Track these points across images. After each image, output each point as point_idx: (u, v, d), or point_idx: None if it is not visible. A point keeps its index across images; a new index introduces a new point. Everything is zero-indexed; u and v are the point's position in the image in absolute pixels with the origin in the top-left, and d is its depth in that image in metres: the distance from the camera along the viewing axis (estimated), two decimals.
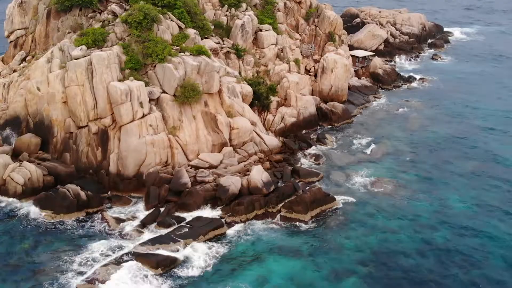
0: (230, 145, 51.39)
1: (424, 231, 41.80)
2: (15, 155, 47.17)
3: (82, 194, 43.05)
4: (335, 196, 45.92)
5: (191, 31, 52.59)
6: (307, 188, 46.80)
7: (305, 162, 54.02)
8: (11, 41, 58.67)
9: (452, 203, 46.21)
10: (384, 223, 43.04)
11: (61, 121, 47.42)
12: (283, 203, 44.55)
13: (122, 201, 44.56)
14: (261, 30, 63.23)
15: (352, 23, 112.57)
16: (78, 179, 45.88)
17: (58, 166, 46.13)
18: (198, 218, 41.65)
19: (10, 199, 43.64)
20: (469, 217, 43.98)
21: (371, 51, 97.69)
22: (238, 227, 41.68)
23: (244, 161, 51.39)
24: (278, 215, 43.30)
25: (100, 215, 42.30)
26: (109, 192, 45.76)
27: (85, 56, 46.34)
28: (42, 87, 47.36)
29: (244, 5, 62.81)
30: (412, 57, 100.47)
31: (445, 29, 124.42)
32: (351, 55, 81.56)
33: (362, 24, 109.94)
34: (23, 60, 56.73)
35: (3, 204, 43.24)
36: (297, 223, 42.52)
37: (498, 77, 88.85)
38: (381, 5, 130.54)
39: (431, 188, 48.81)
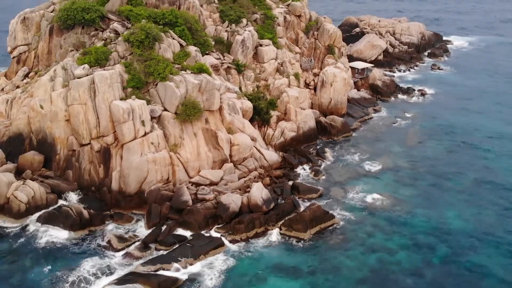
0: (231, 161, 52.04)
1: (422, 251, 42.29)
2: (19, 173, 47.91)
3: (85, 212, 43.64)
4: (334, 214, 46.62)
5: (192, 49, 53.29)
6: (306, 205, 47.49)
7: (304, 177, 54.63)
8: (13, 57, 59.35)
9: (450, 221, 46.75)
10: (383, 242, 43.57)
11: (64, 139, 48.07)
12: (283, 221, 45.18)
13: (124, 219, 45.10)
14: (261, 45, 63.95)
15: (351, 33, 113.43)
16: (81, 196, 46.66)
17: (61, 184, 46.76)
18: (199, 237, 42.24)
19: (13, 218, 44.35)
20: (467, 236, 44.47)
21: (371, 61, 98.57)
22: (238, 245, 42.19)
23: (244, 177, 52.04)
24: (278, 233, 43.96)
25: (103, 234, 42.95)
26: (111, 210, 46.43)
27: (87, 75, 47.02)
28: (45, 105, 48.02)
29: (244, 20, 63.50)
30: (411, 67, 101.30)
31: (444, 38, 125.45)
32: (350, 66, 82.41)
33: (362, 33, 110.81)
34: (26, 76, 57.42)
35: (6, 223, 43.78)
36: (297, 241, 43.12)
37: (497, 88, 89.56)
38: (382, 14, 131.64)
39: (429, 205, 49.35)
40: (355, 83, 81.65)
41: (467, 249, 42.65)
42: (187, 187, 47.60)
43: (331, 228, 45.04)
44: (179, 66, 50.44)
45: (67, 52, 52.14)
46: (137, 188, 46.73)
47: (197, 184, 48.54)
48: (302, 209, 47.10)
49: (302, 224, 43.81)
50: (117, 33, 51.49)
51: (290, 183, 52.32)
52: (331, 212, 46.58)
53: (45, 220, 43.17)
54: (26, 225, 43.40)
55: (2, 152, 48.33)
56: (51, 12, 57.23)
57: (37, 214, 44.25)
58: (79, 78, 46.94)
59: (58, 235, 42.16)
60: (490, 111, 77.06)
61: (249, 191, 48.16)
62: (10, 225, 43.48)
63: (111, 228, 43.98)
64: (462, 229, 45.48)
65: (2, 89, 56.86)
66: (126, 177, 46.52)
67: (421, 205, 49.27)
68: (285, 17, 71.89)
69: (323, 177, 54.52)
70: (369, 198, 50.24)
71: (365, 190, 51.71)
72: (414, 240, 43.86)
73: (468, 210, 48.69)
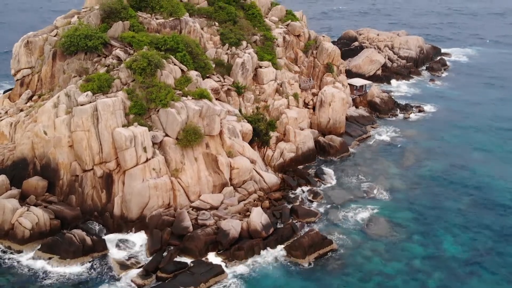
0: (231, 184, 52.96)
1: (419, 277, 43.14)
2: (23, 197, 48.82)
3: (88, 239, 44.53)
4: (332, 238, 47.47)
5: (193, 74, 54.28)
6: (305, 230, 48.46)
7: (303, 200, 55.55)
8: (17, 80, 60.32)
9: (446, 246, 47.59)
10: (380, 267, 44.43)
11: (67, 164, 48.99)
12: (282, 246, 46.11)
13: (125, 244, 45.93)
14: (260, 67, 64.94)
15: (350, 47, 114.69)
16: (84, 222, 47.67)
17: (64, 210, 47.60)
18: (200, 264, 43.08)
19: (17, 244, 45.22)
20: (462, 262, 45.28)
21: (369, 76, 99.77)
22: (238, 272, 43.01)
23: (244, 200, 52.97)
24: (278, 260, 44.75)
25: (105, 260, 43.80)
26: (113, 235, 47.31)
27: (90, 102, 48.01)
28: (48, 131, 48.94)
29: (244, 42, 64.51)
30: (409, 82, 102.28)
31: (443, 50, 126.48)
32: (348, 83, 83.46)
33: (361, 48, 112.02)
34: (29, 99, 58.36)
35: (10, 250, 44.74)
36: (296, 267, 43.98)
37: (494, 103, 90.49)
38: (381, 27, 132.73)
39: (426, 229, 50.22)
40: (353, 100, 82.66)
41: (463, 276, 43.43)
42: (187, 212, 48.54)
43: (329, 253, 45.96)
44: (180, 92, 51.42)
45: (70, 78, 53.11)
46: (139, 213, 47.65)
47: (198, 209, 49.47)
48: (301, 233, 48.12)
49: (301, 251, 44.68)
50: (119, 60, 52.46)
51: (289, 206, 53.33)
52: (329, 236, 47.46)
53: (48, 247, 44.04)
54: (30, 252, 44.35)
55: (7, 177, 49.25)
56: (54, 36, 58.18)
57: (40, 240, 45.29)
58: (82, 105, 47.92)
59: (61, 264, 43.09)
60: (488, 128, 77.85)
61: (248, 215, 49.14)
62: (14, 251, 44.49)
63: (113, 254, 44.95)
64: (457, 255, 46.28)
65: (6, 112, 57.81)
66: (128, 203, 47.45)
67: (417, 230, 50.12)
68: (284, 37, 72.93)
69: (322, 200, 55.35)
70: (366, 222, 51.08)
71: (362, 213, 52.56)
72: (411, 266, 44.71)
73: (463, 235, 49.54)
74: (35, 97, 58.02)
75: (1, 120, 56.19)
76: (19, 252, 44.59)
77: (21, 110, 57.00)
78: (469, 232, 49.92)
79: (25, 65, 59.39)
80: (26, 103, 57.97)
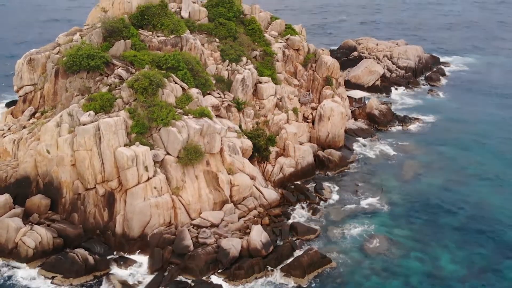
0: (231, 201, 53.67)
1: None
2: (26, 215, 49.52)
3: (90, 258, 45.23)
4: (331, 256, 48.16)
5: (194, 92, 55.03)
6: (305, 247, 49.18)
7: (303, 216, 56.26)
8: (20, 96, 61.08)
9: (443, 263, 48.29)
10: (378, 285, 45.12)
11: (69, 183, 49.69)
12: (281, 266, 46.79)
13: (127, 263, 46.66)
14: (260, 82, 65.70)
15: (349, 56, 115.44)
16: (86, 240, 48.36)
17: (67, 228, 48.29)
18: (200, 283, 43.71)
19: (21, 262, 45.93)
20: (459, 280, 46.05)
21: (368, 87, 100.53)
22: None
23: (244, 216, 53.68)
24: (277, 279, 45.45)
25: (107, 279, 44.43)
26: (115, 253, 48.03)
27: (93, 122, 48.74)
28: (51, 150, 49.61)
29: (244, 58, 65.27)
30: (408, 93, 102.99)
31: (441, 59, 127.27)
32: (347, 96, 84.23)
33: (360, 58, 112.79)
34: (32, 115, 59.12)
35: (14, 269, 45.42)
36: (295, 286, 44.68)
37: (493, 114, 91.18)
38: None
39: (423, 246, 50.90)
40: (352, 112, 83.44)
41: None
42: (188, 230, 49.23)
43: (328, 271, 46.61)
44: (181, 111, 52.15)
45: (72, 96, 53.83)
46: (140, 232, 48.35)
47: (199, 226, 50.17)
48: (300, 251, 48.81)
49: (300, 270, 45.37)
50: (121, 79, 53.20)
51: (289, 222, 54.06)
52: (328, 255, 48.16)
53: (51, 266, 44.72)
54: (33, 271, 45.05)
55: (10, 196, 49.95)
56: (57, 53, 58.98)
57: (44, 259, 45.97)
58: (84, 124, 48.65)
59: (64, 283, 43.69)
60: (486, 140, 78.60)
61: (249, 232, 49.86)
62: (17, 269, 45.23)
63: (115, 272, 45.64)
64: (454, 273, 46.97)
65: (9, 129, 58.50)
66: (129, 221, 48.15)
67: (415, 247, 50.79)
68: (283, 52, 73.67)
69: (321, 216, 56.10)
70: (365, 239, 51.75)
71: (361, 230, 53.30)
72: (409, 284, 45.42)
73: (461, 252, 50.23)
74: (37, 114, 58.78)
75: (4, 137, 56.91)
76: (22, 270, 45.31)
77: (24, 127, 57.75)
78: (466, 249, 50.64)
79: (28, 82, 60.19)
80: (28, 119, 58.73)
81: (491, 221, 55.82)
